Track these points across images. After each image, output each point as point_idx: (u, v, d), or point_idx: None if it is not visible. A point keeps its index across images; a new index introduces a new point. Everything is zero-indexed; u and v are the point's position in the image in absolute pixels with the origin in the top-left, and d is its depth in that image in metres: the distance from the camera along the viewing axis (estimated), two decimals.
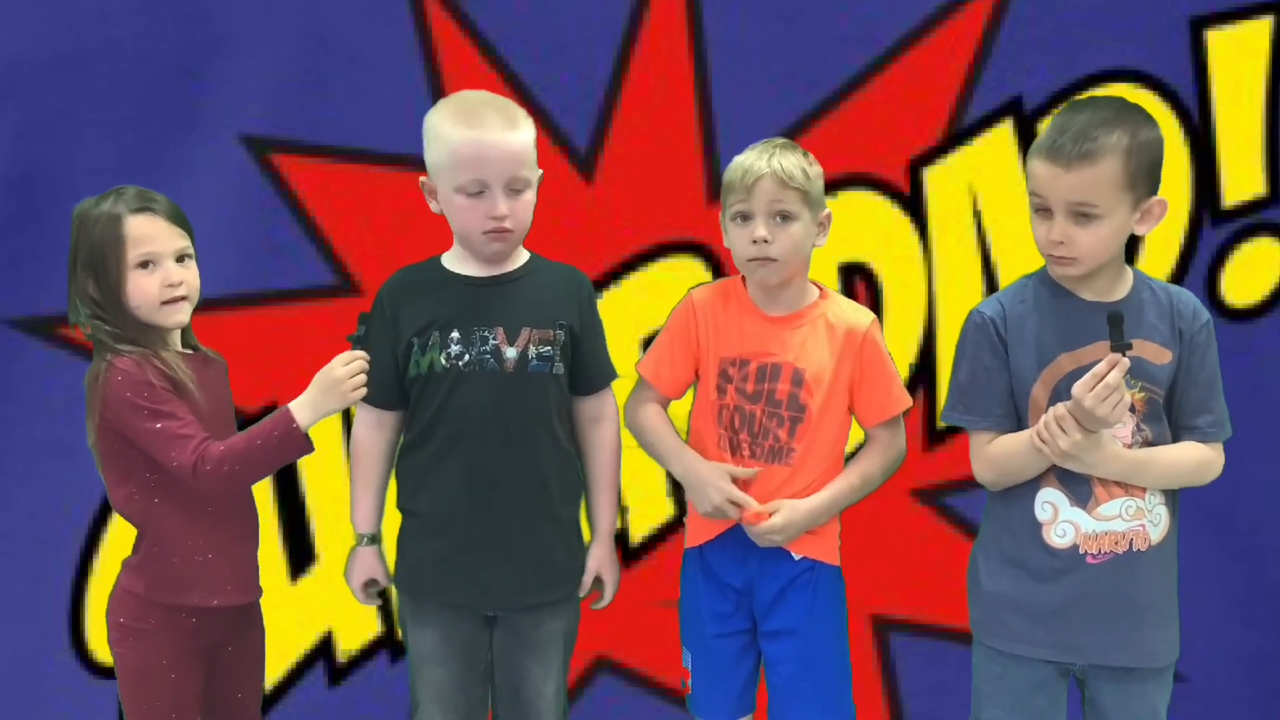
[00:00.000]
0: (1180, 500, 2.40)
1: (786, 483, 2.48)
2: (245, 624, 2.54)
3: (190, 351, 2.51)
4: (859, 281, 3.19)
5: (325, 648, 3.28)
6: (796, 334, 2.48)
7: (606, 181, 3.19)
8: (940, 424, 3.18)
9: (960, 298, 3.16)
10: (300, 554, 3.24)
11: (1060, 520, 2.35)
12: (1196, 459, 2.36)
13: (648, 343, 2.69)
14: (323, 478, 3.23)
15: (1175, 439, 2.38)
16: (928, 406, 3.24)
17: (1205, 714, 3.11)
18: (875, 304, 3.19)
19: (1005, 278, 3.12)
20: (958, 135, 3.18)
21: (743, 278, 2.55)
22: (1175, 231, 3.18)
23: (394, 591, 2.64)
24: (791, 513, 2.45)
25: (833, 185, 3.08)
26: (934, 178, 3.20)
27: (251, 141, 3.14)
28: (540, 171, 2.50)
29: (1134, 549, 2.33)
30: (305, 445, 2.39)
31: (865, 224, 3.19)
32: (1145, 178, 2.29)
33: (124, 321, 2.41)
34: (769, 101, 3.11)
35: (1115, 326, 2.21)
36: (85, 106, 3.11)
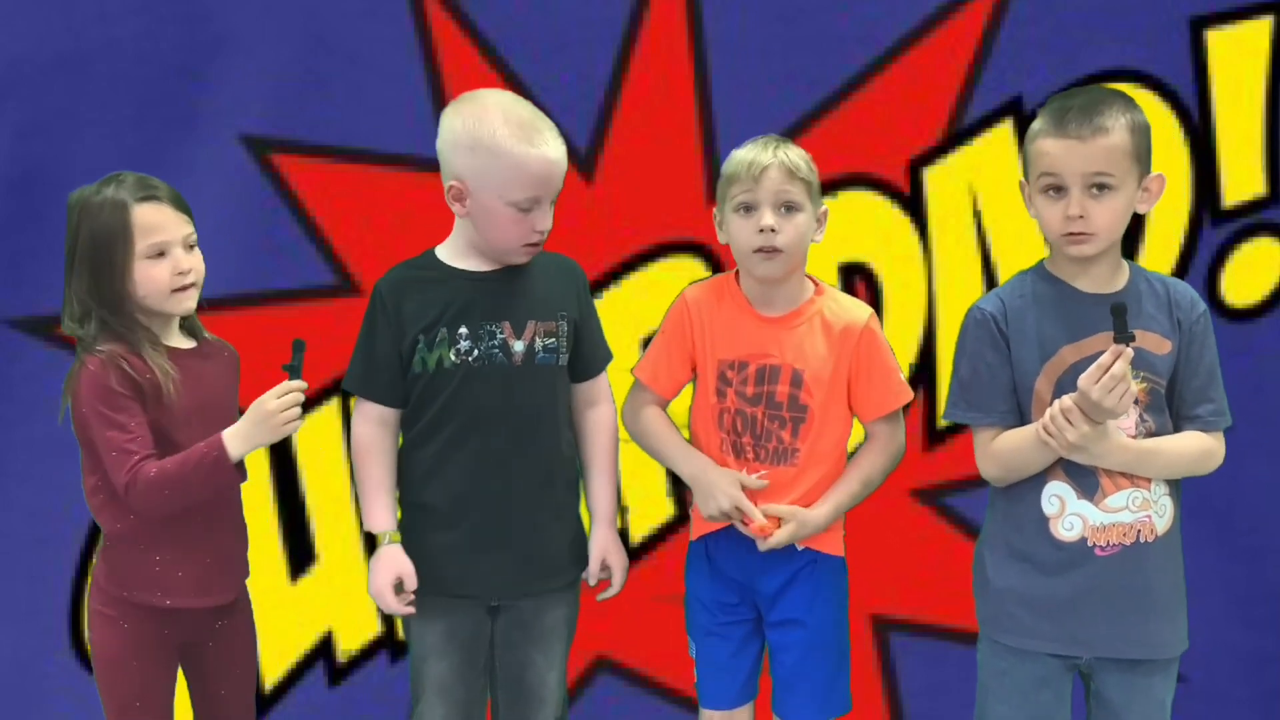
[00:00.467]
0: (1182, 495, 2.41)
1: (792, 483, 2.49)
2: (225, 623, 2.53)
3: (191, 345, 2.50)
4: (859, 281, 3.19)
5: (325, 648, 3.28)
6: (794, 334, 2.48)
7: (606, 181, 3.19)
8: (942, 423, 3.19)
9: (960, 298, 3.16)
10: (300, 554, 3.24)
11: (1068, 513, 2.35)
12: (1200, 448, 2.37)
13: (647, 343, 2.69)
14: (323, 478, 3.23)
15: (1177, 429, 2.38)
16: (928, 406, 3.24)
17: (1205, 714, 3.11)
18: (875, 304, 3.18)
19: (1005, 278, 3.11)
20: (958, 135, 3.18)
21: (735, 275, 2.55)
22: (1175, 231, 3.18)
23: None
24: (799, 529, 2.46)
25: (833, 185, 3.10)
26: (934, 178, 3.20)
27: (251, 141, 3.14)
28: None
29: (1141, 540, 2.34)
30: (236, 475, 2.39)
31: (865, 224, 3.19)
32: (1146, 153, 2.34)
33: (119, 312, 2.40)
34: (769, 101, 3.11)
35: (1118, 317, 2.22)
36: (85, 106, 3.11)
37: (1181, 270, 3.16)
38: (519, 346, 2.47)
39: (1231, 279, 3.18)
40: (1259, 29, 3.16)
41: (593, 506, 2.62)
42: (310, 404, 3.18)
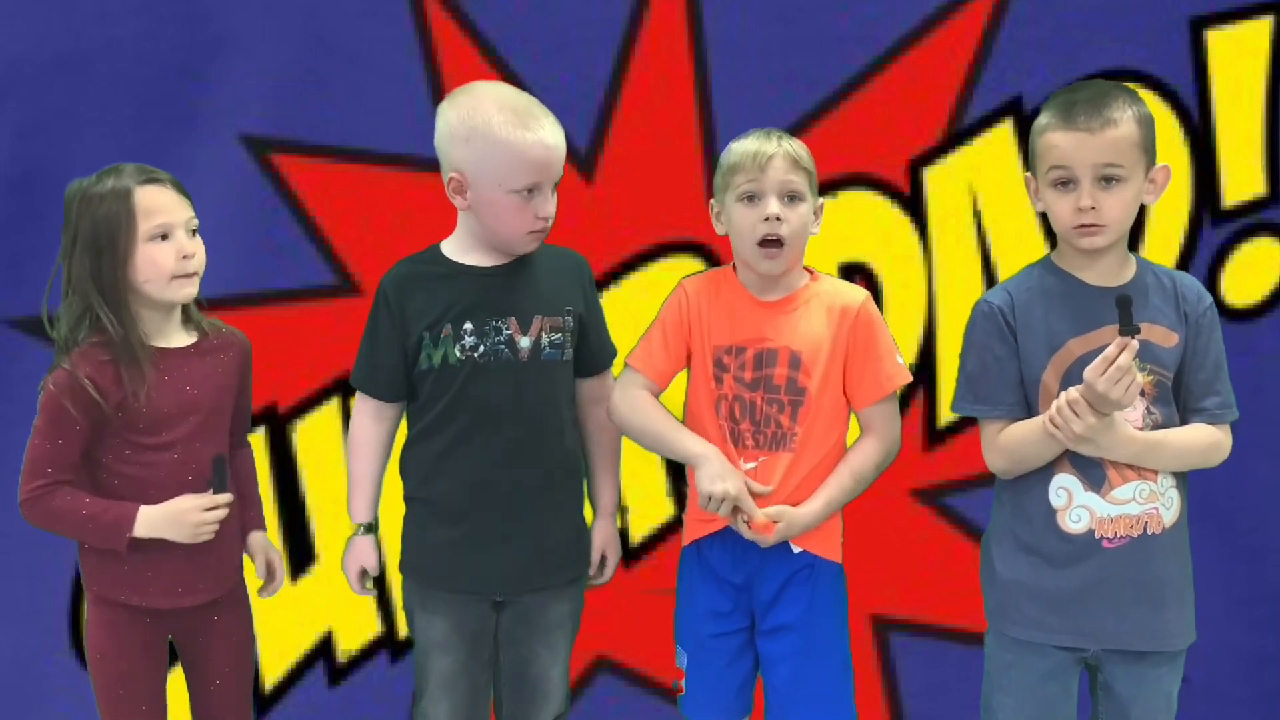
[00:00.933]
0: (1189, 488, 2.41)
1: (791, 468, 2.46)
2: (217, 619, 2.53)
3: (191, 340, 2.50)
4: (859, 281, 3.18)
5: (325, 648, 3.28)
6: (791, 317, 2.47)
7: (606, 181, 3.19)
8: (947, 417, 3.20)
9: (960, 298, 3.16)
10: (300, 554, 3.24)
11: (1075, 505, 2.35)
12: (1206, 440, 2.37)
13: None
14: (323, 478, 3.23)
15: (1183, 422, 2.39)
16: (928, 407, 3.24)
17: (1205, 714, 3.11)
18: (875, 304, 3.18)
19: (1005, 278, 3.11)
20: (958, 135, 3.18)
21: (734, 267, 2.54)
22: (1175, 231, 3.18)
23: (398, 581, 2.64)
24: (788, 528, 2.44)
25: (833, 185, 3.10)
26: (934, 178, 3.20)
27: (251, 141, 3.14)
28: None
29: (1149, 532, 2.34)
30: (120, 546, 2.41)
31: (865, 224, 3.19)
32: (1152, 144, 2.35)
33: (118, 304, 2.39)
34: (769, 101, 3.11)
35: (1124, 309, 2.23)
36: (85, 106, 3.11)
37: (1181, 270, 3.15)
38: (525, 342, 2.48)
39: (1231, 279, 3.18)
40: (1259, 29, 3.16)
41: (595, 501, 2.64)
42: (310, 404, 3.20)
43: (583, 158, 3.17)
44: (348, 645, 3.29)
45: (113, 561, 2.43)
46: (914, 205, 3.20)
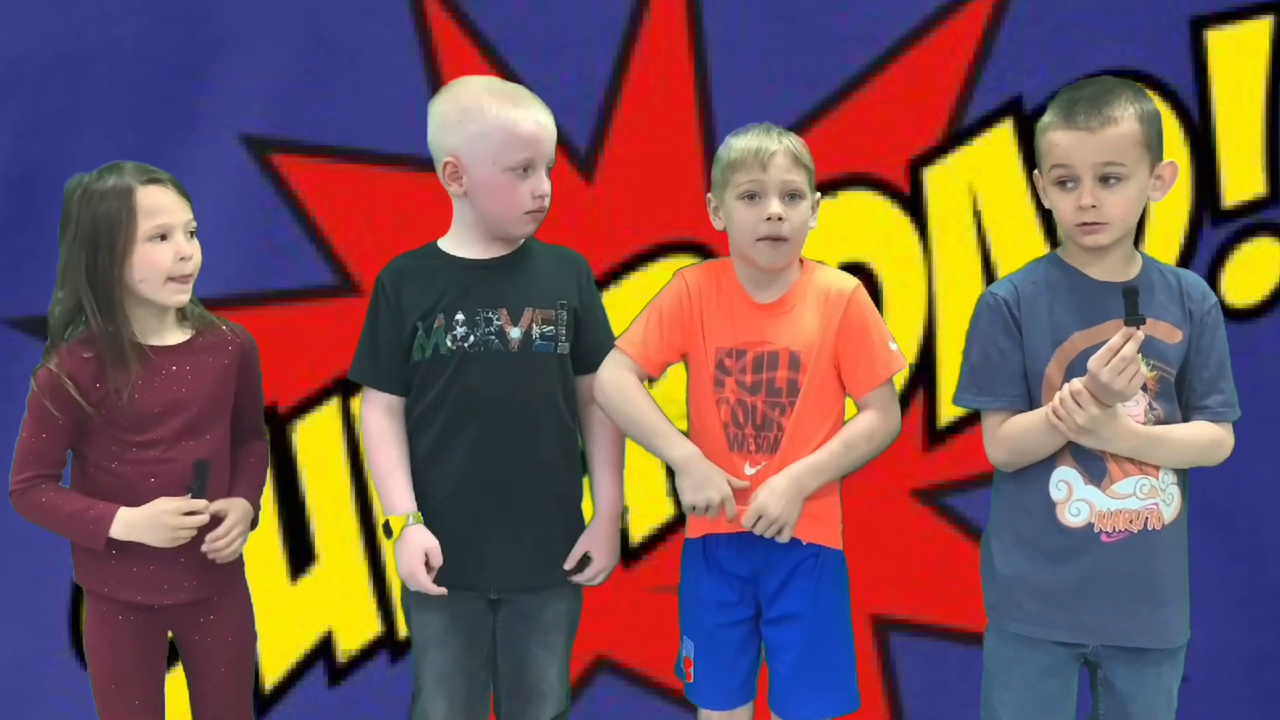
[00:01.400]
0: (1189, 485, 2.42)
1: (778, 466, 2.46)
2: (213, 618, 2.53)
3: (185, 337, 2.50)
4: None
5: (325, 648, 3.28)
6: (789, 317, 2.47)
7: (606, 181, 3.19)
8: (947, 417, 3.20)
9: (960, 298, 3.16)
10: (300, 554, 3.24)
11: (1075, 499, 2.36)
12: (1209, 438, 2.38)
13: None
14: (323, 478, 3.23)
15: (1185, 419, 2.39)
16: (928, 407, 3.24)
17: (1205, 714, 3.11)
18: (875, 304, 3.18)
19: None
20: (958, 135, 3.18)
21: (729, 261, 2.54)
22: (1175, 231, 3.18)
23: (397, 580, 2.63)
24: (768, 492, 2.42)
25: (833, 185, 3.10)
26: (934, 178, 3.19)
27: (251, 141, 3.14)
28: None
29: (1148, 528, 2.34)
30: (98, 545, 2.41)
31: (865, 224, 3.19)
32: (1157, 141, 2.35)
33: (110, 301, 2.40)
34: (769, 101, 3.10)
35: (1130, 300, 2.23)
36: (85, 106, 3.11)
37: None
38: (516, 333, 2.48)
39: (1231, 279, 3.18)
40: (1259, 29, 3.16)
41: (597, 500, 2.63)
42: (310, 404, 3.20)
43: (583, 158, 3.17)
44: (348, 645, 3.29)
45: (101, 556, 2.44)
46: (914, 205, 3.20)
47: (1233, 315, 3.15)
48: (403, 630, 3.18)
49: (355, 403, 2.61)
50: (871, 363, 2.49)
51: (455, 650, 2.54)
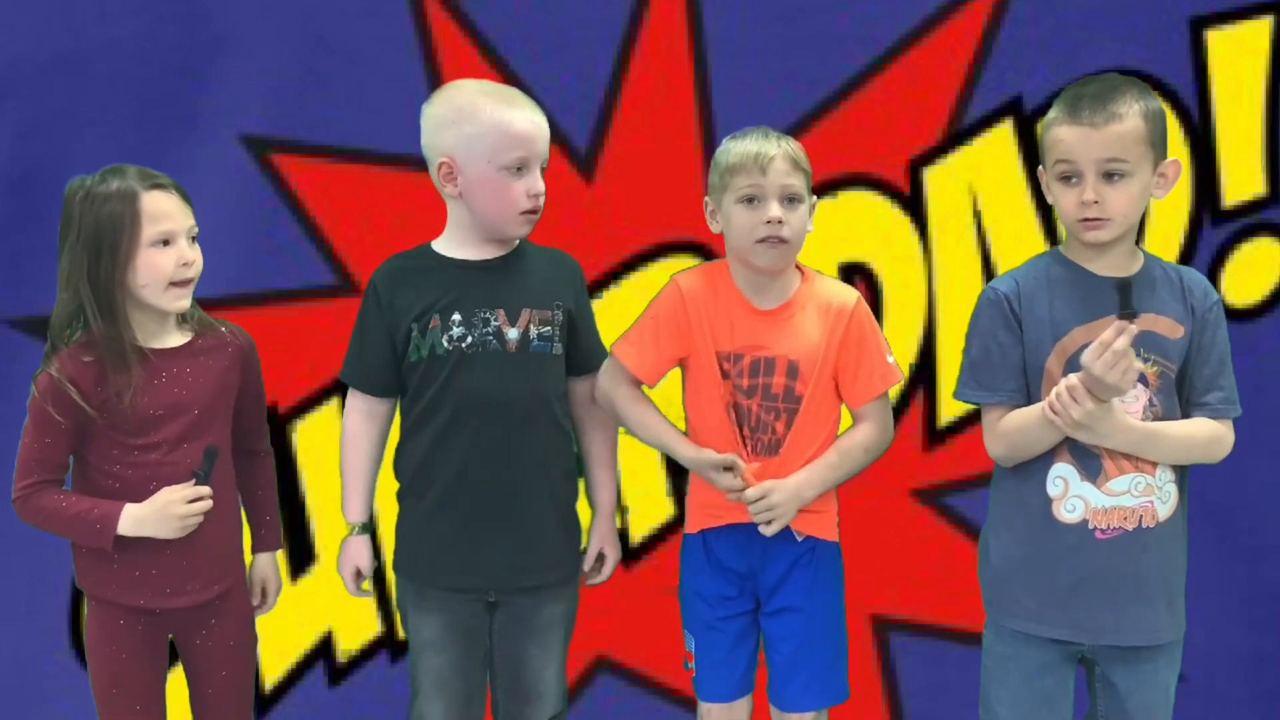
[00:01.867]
0: (1189, 483, 2.42)
1: (777, 474, 2.48)
2: (214, 621, 2.53)
3: (185, 340, 2.50)
4: (859, 281, 3.19)
5: (325, 648, 3.28)
6: (789, 324, 2.48)
7: (606, 181, 3.19)
8: (947, 417, 3.20)
9: (960, 298, 3.16)
10: (300, 554, 3.24)
11: (1070, 495, 2.36)
12: (1208, 434, 2.38)
13: None
14: (323, 478, 3.23)
15: (1185, 416, 2.39)
16: (928, 407, 3.24)
17: (1205, 714, 3.11)
18: (875, 304, 3.19)
19: None
20: (958, 135, 3.18)
21: (726, 265, 2.55)
22: (1175, 231, 3.18)
23: (392, 580, 2.64)
24: (775, 493, 2.45)
25: (833, 185, 3.10)
26: (934, 178, 3.20)
27: (251, 141, 3.14)
28: None
29: (1143, 525, 2.34)
30: (107, 544, 2.41)
31: (865, 224, 3.19)
32: (1161, 138, 2.36)
33: (111, 306, 2.39)
34: (769, 101, 3.11)
35: (1124, 294, 2.24)
36: (85, 106, 3.11)
37: None
38: (513, 334, 2.49)
39: (1231, 279, 3.18)
40: (1259, 29, 3.16)
41: (593, 500, 2.65)
42: (310, 404, 3.20)
43: (583, 158, 3.17)
44: (348, 645, 3.29)
45: (103, 561, 2.43)
46: (914, 205, 3.20)
47: (1233, 315, 3.13)
48: (402, 630, 3.18)
49: (347, 401, 2.61)
50: (870, 376, 2.51)
51: (452, 653, 2.54)
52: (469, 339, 2.48)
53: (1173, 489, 2.37)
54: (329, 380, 3.16)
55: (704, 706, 2.62)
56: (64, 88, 3.11)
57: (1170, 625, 2.40)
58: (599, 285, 3.16)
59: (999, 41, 3.14)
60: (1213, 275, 3.17)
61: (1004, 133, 3.17)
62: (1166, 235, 3.16)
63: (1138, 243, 2.45)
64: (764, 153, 2.45)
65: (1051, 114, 2.39)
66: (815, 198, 2.53)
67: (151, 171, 2.44)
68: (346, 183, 3.16)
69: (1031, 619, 2.40)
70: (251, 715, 2.64)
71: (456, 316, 2.48)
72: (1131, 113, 2.32)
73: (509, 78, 3.09)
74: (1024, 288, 2.41)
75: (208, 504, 2.44)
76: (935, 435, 3.23)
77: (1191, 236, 3.18)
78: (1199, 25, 3.14)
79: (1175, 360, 2.37)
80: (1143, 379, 2.34)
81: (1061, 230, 2.47)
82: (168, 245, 2.41)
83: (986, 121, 3.17)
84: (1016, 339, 2.40)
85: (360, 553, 2.61)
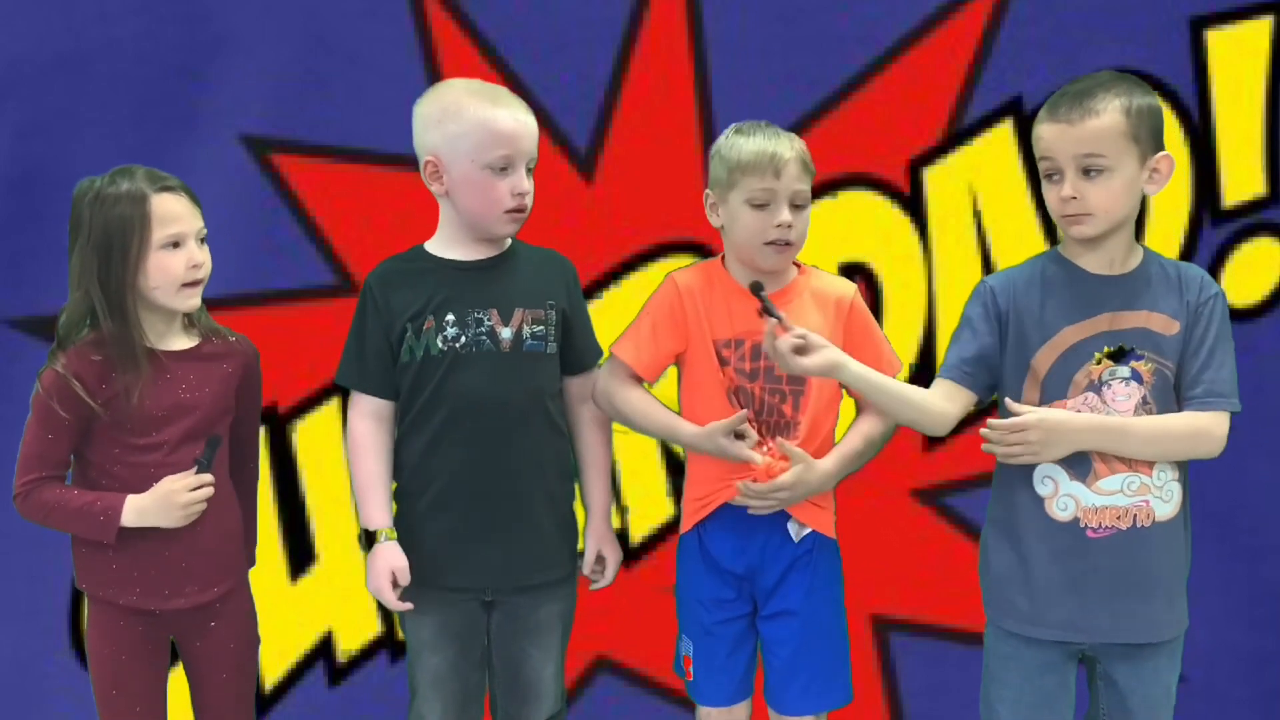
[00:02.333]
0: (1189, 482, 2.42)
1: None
2: (215, 624, 2.52)
3: (192, 344, 2.50)
4: (859, 281, 3.18)
5: (325, 648, 3.28)
6: (787, 308, 2.48)
7: (606, 181, 3.19)
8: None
9: (960, 298, 3.14)
10: (300, 554, 3.24)
11: (1061, 494, 2.37)
12: (1187, 427, 2.36)
13: None
14: (323, 478, 3.23)
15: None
16: None
17: (1205, 714, 3.11)
18: (875, 304, 3.19)
19: None
20: (958, 135, 3.18)
21: (721, 259, 2.56)
22: (1175, 231, 3.18)
23: None
24: (806, 471, 2.45)
25: (833, 185, 3.10)
26: (934, 178, 3.20)
27: (251, 141, 3.14)
28: None
29: (1138, 525, 2.34)
30: (110, 536, 2.41)
31: (865, 224, 3.19)
32: (1148, 134, 2.35)
33: (121, 307, 2.39)
34: (769, 101, 3.10)
35: (756, 294, 2.37)
36: (85, 106, 3.11)
37: None
38: (507, 333, 2.49)
39: (1231, 279, 3.18)
40: (1259, 29, 3.16)
41: (588, 501, 2.65)
42: (310, 404, 3.20)
43: (583, 158, 3.17)
44: (348, 645, 3.29)
45: (102, 561, 2.43)
46: (914, 205, 3.20)
47: (1233, 315, 3.13)
48: (401, 631, 3.18)
49: (350, 406, 2.61)
50: (879, 365, 2.51)
51: (450, 654, 2.54)
52: (462, 339, 2.48)
53: (1175, 488, 2.37)
54: (329, 380, 3.15)
55: (702, 711, 2.61)
56: (64, 88, 3.11)
57: (1169, 622, 2.40)
58: (599, 285, 3.16)
59: (999, 41, 3.14)
60: (1213, 275, 3.13)
61: (1004, 133, 3.17)
62: (1166, 235, 3.16)
63: (1137, 239, 2.45)
64: (779, 155, 2.44)
65: (1039, 113, 2.40)
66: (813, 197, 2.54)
67: (160, 173, 2.44)
68: (346, 183, 3.16)
69: (1026, 620, 2.40)
70: (253, 717, 2.64)
71: (450, 317, 2.48)
72: (1109, 108, 2.31)
73: (509, 78, 3.09)
74: (1017, 286, 2.42)
75: (209, 491, 2.43)
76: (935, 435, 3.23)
77: (1191, 236, 3.18)
78: (1199, 25, 3.14)
79: (1171, 357, 2.37)
80: (1136, 376, 2.34)
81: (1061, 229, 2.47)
82: (177, 247, 2.41)
83: (986, 121, 3.17)
84: (989, 331, 2.41)
85: (394, 557, 2.49)
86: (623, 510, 3.21)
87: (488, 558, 2.50)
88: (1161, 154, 2.36)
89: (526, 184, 2.49)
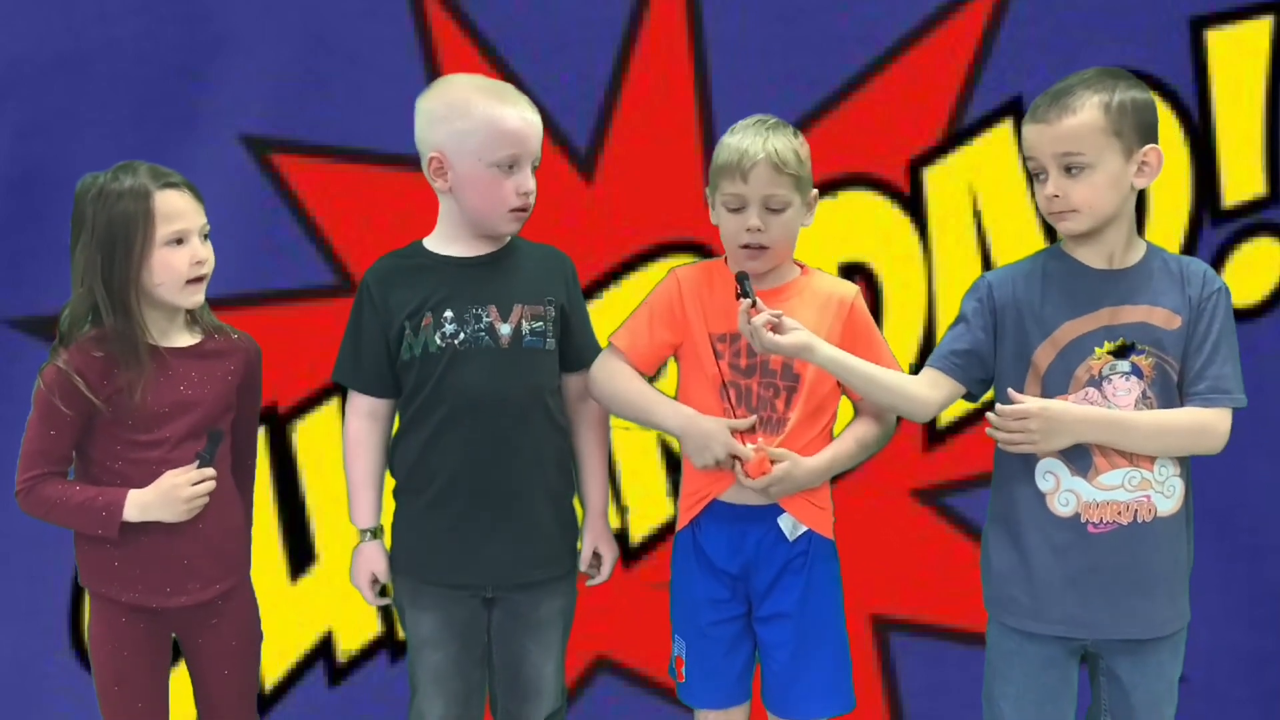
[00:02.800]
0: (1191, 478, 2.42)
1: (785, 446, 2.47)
2: (216, 621, 2.53)
3: (194, 341, 2.50)
4: (859, 281, 3.18)
5: (325, 648, 3.28)
6: (784, 306, 2.47)
7: (606, 181, 3.19)
8: (947, 417, 3.19)
9: (960, 297, 3.15)
10: (300, 554, 3.24)
11: (1062, 490, 2.37)
12: (1189, 422, 2.36)
13: None
14: (323, 478, 3.23)
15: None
16: None
17: (1205, 714, 3.11)
18: (875, 304, 3.19)
19: None
20: (958, 135, 3.18)
21: (724, 259, 2.55)
22: (1175, 231, 3.18)
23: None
24: (794, 467, 2.45)
25: (833, 185, 3.10)
26: (934, 178, 3.20)
27: (251, 141, 3.14)
28: None
29: (1139, 520, 2.34)
30: (113, 531, 2.41)
31: (865, 224, 3.19)
32: (1132, 128, 2.34)
33: (124, 304, 2.39)
34: (769, 101, 3.08)
35: (740, 284, 2.38)
36: (85, 106, 3.11)
37: None
38: (505, 329, 2.49)
39: (1231, 279, 3.14)
40: (1259, 29, 3.16)
41: (586, 498, 2.65)
42: (310, 404, 3.20)
43: (583, 158, 3.17)
44: (348, 645, 3.29)
45: (104, 558, 2.44)
46: (914, 205, 3.20)
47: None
48: (401, 629, 3.19)
49: (347, 404, 2.61)
50: (879, 365, 2.50)
51: (451, 650, 2.55)
52: (461, 335, 2.48)
53: (1177, 484, 2.37)
54: (329, 380, 3.14)
55: (699, 714, 2.61)
56: (64, 88, 3.11)
57: (1171, 617, 2.40)
58: (599, 285, 3.16)
59: (999, 41, 3.15)
60: None
61: (1004, 133, 3.17)
62: (1167, 235, 3.16)
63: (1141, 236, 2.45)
64: (748, 156, 2.43)
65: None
66: (816, 191, 2.53)
67: (163, 169, 2.45)
68: (346, 183, 3.16)
69: (1027, 616, 2.40)
70: (255, 715, 2.64)
71: (449, 313, 2.48)
72: (1087, 105, 2.32)
73: (509, 77, 3.08)
74: (1016, 281, 2.43)
75: (211, 484, 2.43)
76: (935, 435, 3.23)
77: (1191, 236, 3.18)
78: (1199, 25, 3.14)
79: (1173, 352, 2.36)
80: (1137, 371, 2.35)
81: None
82: (181, 244, 2.42)
83: (986, 121, 3.17)
84: (982, 327, 2.43)
85: (375, 558, 2.58)
86: (623, 510, 3.21)
87: (488, 554, 2.51)
88: (1149, 146, 2.36)
89: (531, 183, 2.49)
